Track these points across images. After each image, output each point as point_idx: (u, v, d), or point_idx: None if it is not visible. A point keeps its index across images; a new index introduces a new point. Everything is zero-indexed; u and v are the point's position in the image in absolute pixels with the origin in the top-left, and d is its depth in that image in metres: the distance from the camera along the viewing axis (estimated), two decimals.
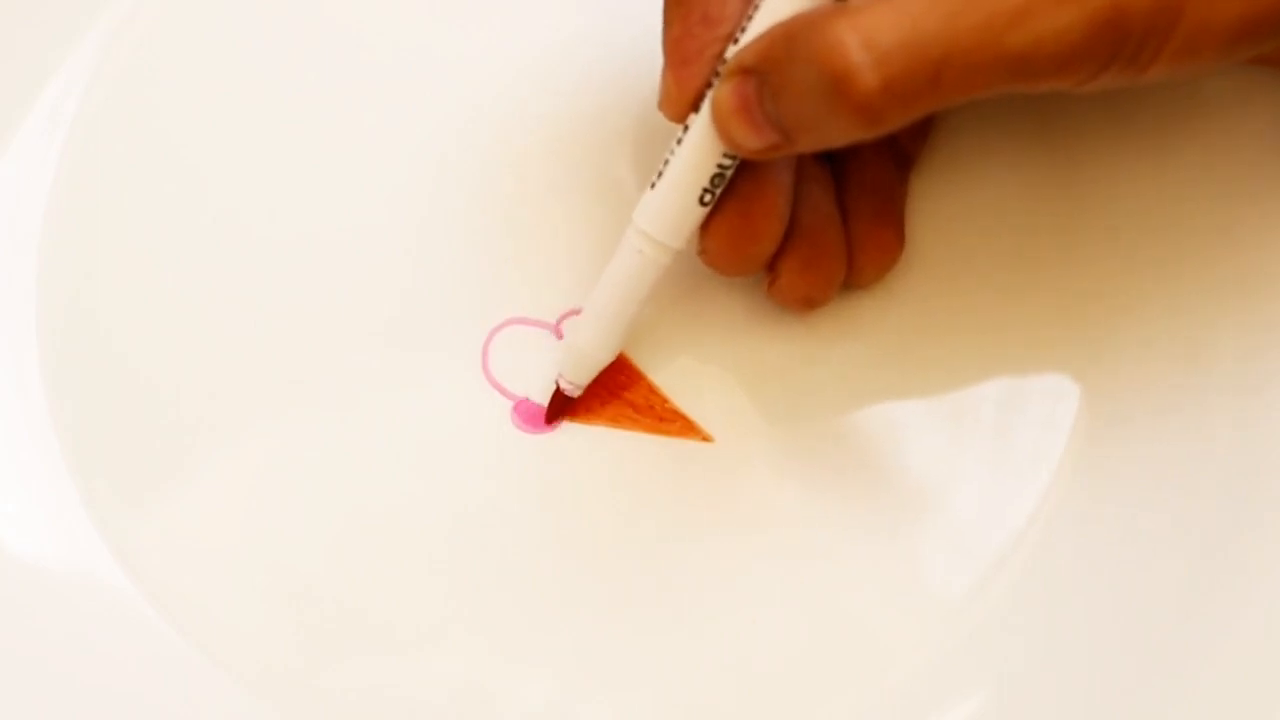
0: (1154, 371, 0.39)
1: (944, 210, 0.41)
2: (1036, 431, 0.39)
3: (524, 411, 0.40)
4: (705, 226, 0.37)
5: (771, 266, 0.38)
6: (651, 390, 0.40)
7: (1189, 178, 0.40)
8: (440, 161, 0.42)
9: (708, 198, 0.37)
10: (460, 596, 0.38)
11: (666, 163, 0.37)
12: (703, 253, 0.38)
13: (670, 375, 0.40)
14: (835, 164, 0.39)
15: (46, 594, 0.39)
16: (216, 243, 0.41)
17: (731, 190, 0.37)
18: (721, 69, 0.35)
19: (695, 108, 0.36)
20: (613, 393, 0.40)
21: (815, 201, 0.38)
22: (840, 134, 0.34)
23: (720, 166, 0.36)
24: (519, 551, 0.39)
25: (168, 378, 0.40)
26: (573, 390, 0.39)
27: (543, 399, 0.40)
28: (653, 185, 0.37)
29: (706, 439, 0.40)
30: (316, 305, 0.41)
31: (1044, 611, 0.38)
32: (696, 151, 0.36)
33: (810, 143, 0.35)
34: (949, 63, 0.32)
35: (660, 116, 0.37)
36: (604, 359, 0.39)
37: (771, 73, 0.34)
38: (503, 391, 0.40)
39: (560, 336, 0.41)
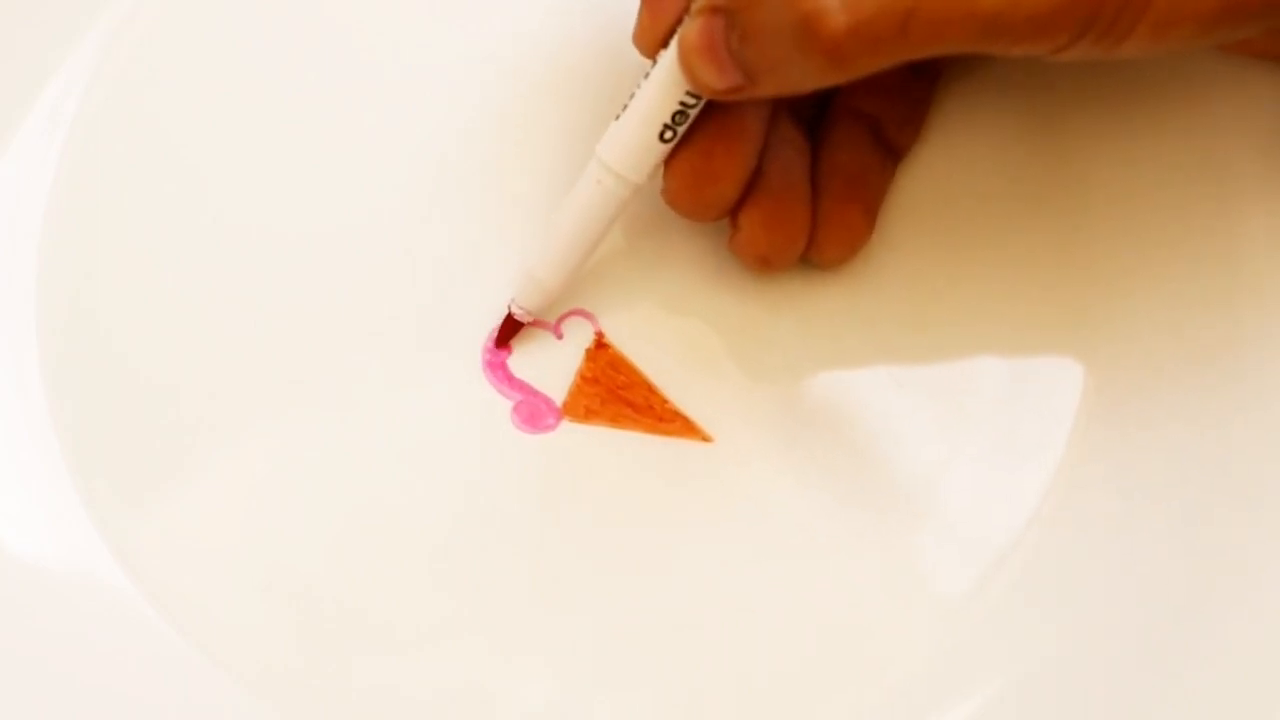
0: (1156, 363, 0.39)
1: (943, 198, 0.41)
2: (1038, 425, 0.39)
3: (524, 411, 0.40)
4: (667, 166, 0.38)
5: (734, 219, 0.38)
6: (651, 390, 0.40)
7: (1188, 165, 0.41)
8: (440, 161, 0.42)
9: (669, 134, 0.37)
10: (460, 596, 0.38)
11: (633, 96, 0.37)
12: (664, 192, 0.38)
13: (670, 372, 0.40)
14: (818, 136, 0.39)
15: (46, 594, 0.39)
16: (216, 242, 0.41)
17: (696, 130, 0.37)
18: (693, 5, 0.36)
19: (666, 43, 0.36)
20: (612, 393, 0.40)
21: (788, 163, 0.38)
22: (805, 76, 0.34)
23: (683, 104, 0.36)
24: (519, 551, 0.39)
25: (168, 378, 0.40)
26: (523, 315, 0.40)
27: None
28: (617, 118, 0.37)
29: (706, 439, 0.40)
30: (316, 305, 0.41)
31: (1046, 609, 0.38)
32: (660, 87, 0.37)
33: (773, 85, 0.35)
34: (919, 13, 0.32)
35: None
36: (555, 287, 0.39)
37: (741, 10, 0.34)
38: (503, 392, 0.40)
39: (560, 337, 0.41)
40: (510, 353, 0.40)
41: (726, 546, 0.39)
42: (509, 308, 0.40)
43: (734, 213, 0.38)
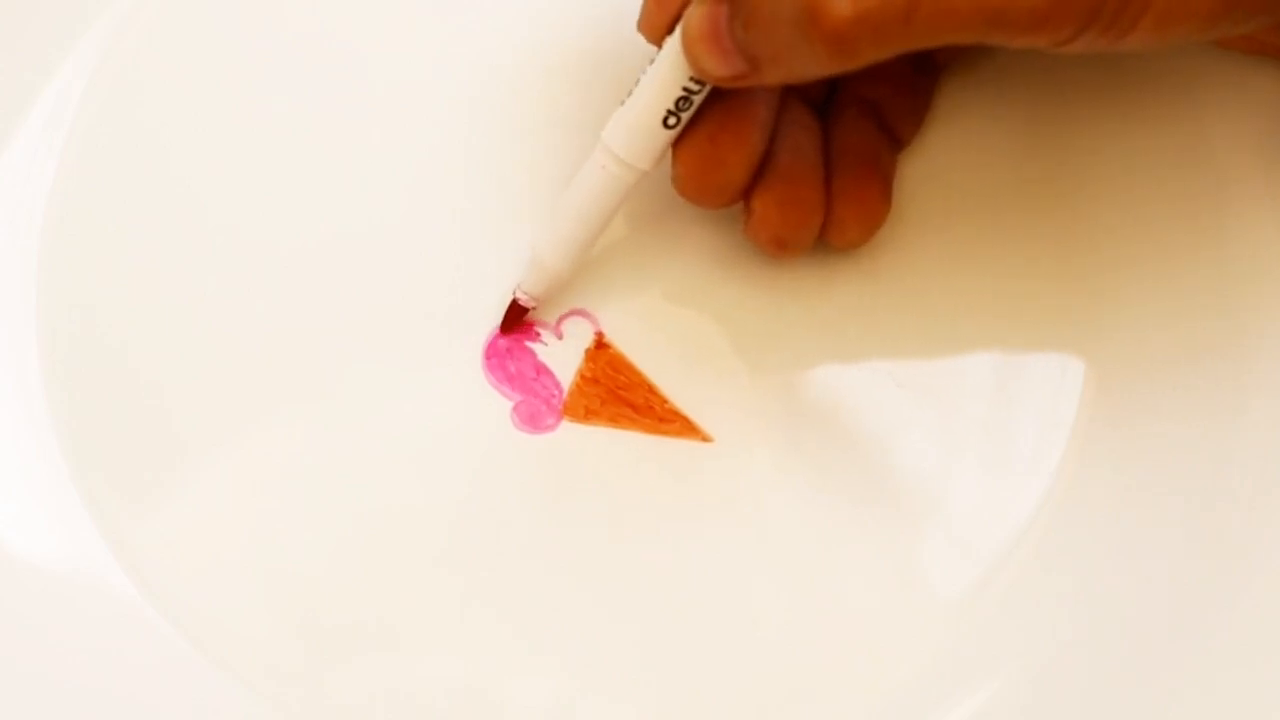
0: (1157, 360, 0.39)
1: (942, 195, 0.41)
2: (1039, 423, 0.39)
3: (524, 411, 0.40)
4: (674, 152, 0.38)
5: (747, 203, 0.38)
6: (651, 390, 0.40)
7: (1187, 161, 0.41)
8: (441, 160, 0.42)
9: (672, 121, 0.37)
10: (460, 596, 0.38)
11: (638, 82, 0.37)
12: (673, 179, 0.38)
13: (670, 371, 0.40)
14: (827, 121, 0.39)
15: (46, 594, 0.39)
16: (216, 242, 0.41)
17: (703, 116, 0.37)
18: None
19: (672, 30, 0.36)
20: (613, 393, 0.40)
21: (798, 145, 0.38)
22: (809, 65, 0.34)
23: (686, 90, 0.37)
24: (519, 552, 0.39)
25: (168, 378, 0.40)
26: (527, 301, 0.40)
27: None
28: (622, 103, 0.37)
29: (706, 439, 0.40)
30: (317, 304, 0.41)
31: (1047, 607, 0.38)
32: (664, 74, 0.37)
33: (777, 74, 0.35)
34: (923, 2, 0.32)
35: None
36: (561, 272, 0.39)
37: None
38: (503, 392, 0.40)
39: (561, 337, 0.41)
40: (526, 341, 0.40)
41: (726, 546, 0.39)
42: (514, 294, 0.40)
43: (746, 197, 0.38)
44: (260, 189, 0.42)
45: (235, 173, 0.42)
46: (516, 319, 0.40)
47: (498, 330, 0.40)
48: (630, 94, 0.37)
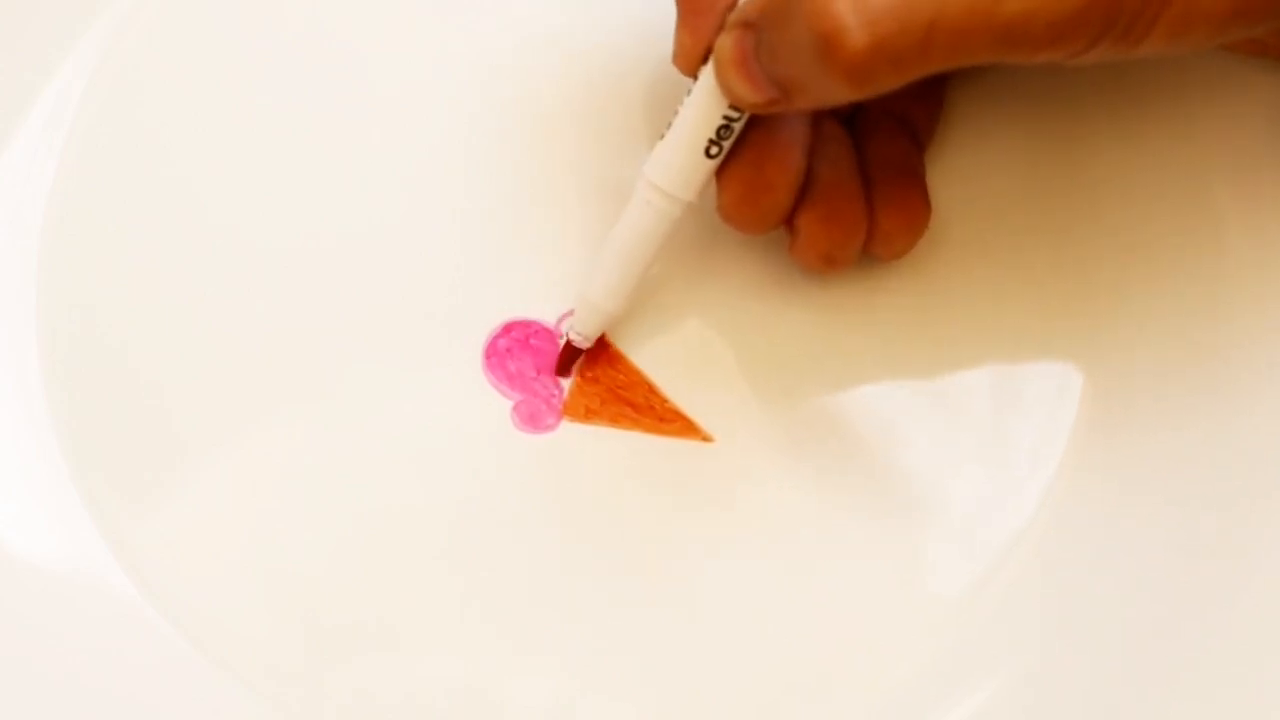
0: (1155, 367, 0.39)
1: (944, 204, 0.41)
2: (1038, 427, 0.39)
3: (524, 411, 0.40)
4: (720, 181, 0.38)
5: (791, 224, 0.38)
6: (651, 390, 0.40)
7: (1189, 168, 0.41)
8: (441, 162, 0.42)
9: (714, 150, 0.37)
10: (460, 597, 0.38)
11: (677, 114, 0.37)
12: (719, 208, 0.38)
13: (670, 372, 0.40)
14: (857, 135, 0.39)
15: (46, 594, 0.39)
16: (217, 242, 0.41)
17: (744, 143, 0.37)
18: (728, 20, 0.35)
19: (706, 60, 0.36)
20: (613, 392, 0.40)
21: (835, 159, 0.38)
22: (831, 93, 0.34)
23: (726, 119, 0.36)
24: (519, 552, 0.39)
25: (168, 378, 0.40)
26: (582, 341, 0.40)
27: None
28: (662, 137, 0.37)
29: (706, 439, 0.40)
30: (317, 305, 0.41)
31: (1046, 608, 0.38)
32: (703, 104, 0.36)
33: (806, 101, 0.35)
34: (939, 27, 0.32)
35: (659, 114, 0.37)
36: (613, 310, 0.39)
37: (768, 28, 0.34)
38: (503, 391, 0.40)
39: (561, 336, 0.41)
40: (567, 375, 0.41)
41: (726, 546, 0.39)
42: (567, 335, 0.40)
43: (790, 219, 0.38)
44: (260, 189, 0.42)
45: (235, 173, 0.42)
46: (571, 360, 0.40)
47: (498, 330, 0.40)
48: (669, 126, 0.37)
